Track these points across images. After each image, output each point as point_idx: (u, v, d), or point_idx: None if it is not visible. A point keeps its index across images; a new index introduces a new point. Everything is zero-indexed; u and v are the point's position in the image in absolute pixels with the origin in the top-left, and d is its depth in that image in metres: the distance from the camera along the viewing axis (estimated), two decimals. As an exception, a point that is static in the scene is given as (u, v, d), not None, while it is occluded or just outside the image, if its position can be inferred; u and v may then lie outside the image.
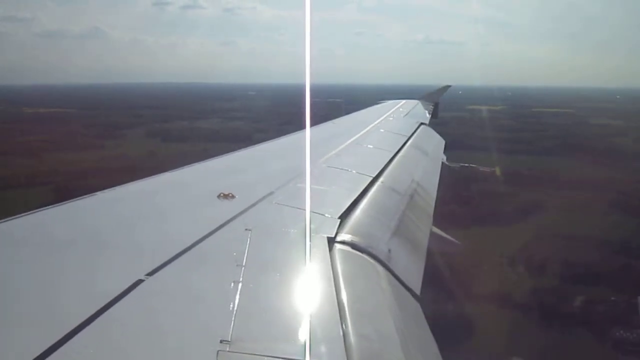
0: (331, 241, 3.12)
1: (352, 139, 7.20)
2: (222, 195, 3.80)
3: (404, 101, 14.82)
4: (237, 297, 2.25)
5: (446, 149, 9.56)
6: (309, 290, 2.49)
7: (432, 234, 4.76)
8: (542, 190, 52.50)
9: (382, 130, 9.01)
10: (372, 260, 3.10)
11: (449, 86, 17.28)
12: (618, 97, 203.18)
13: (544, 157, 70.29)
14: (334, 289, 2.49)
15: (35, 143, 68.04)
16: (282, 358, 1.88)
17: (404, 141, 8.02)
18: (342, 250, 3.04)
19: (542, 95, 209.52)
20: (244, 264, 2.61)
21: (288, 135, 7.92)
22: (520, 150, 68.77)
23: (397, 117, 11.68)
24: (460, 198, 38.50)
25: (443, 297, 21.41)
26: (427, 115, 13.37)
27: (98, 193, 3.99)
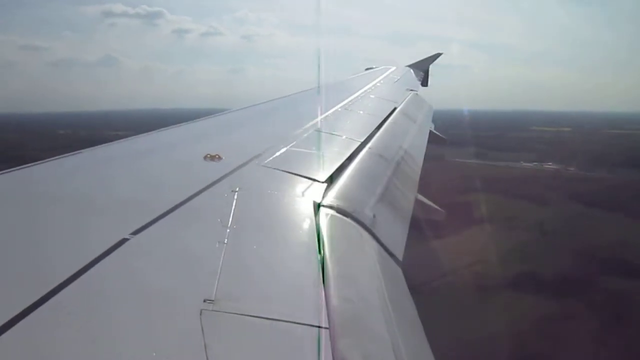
0: (316, 205, 3.14)
1: (340, 104, 7.13)
2: (208, 156, 3.77)
3: (393, 67, 14.67)
4: (222, 257, 2.26)
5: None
6: (293, 252, 2.52)
7: (417, 201, 4.80)
8: None
9: (371, 96, 8.93)
10: (356, 225, 3.12)
11: (440, 54, 17.19)
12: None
13: None
14: (317, 251, 2.51)
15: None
16: (265, 318, 1.91)
17: (393, 107, 7.98)
18: (327, 214, 3.06)
19: (564, 119, 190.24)
20: (229, 224, 2.61)
21: (277, 98, 7.82)
22: None
23: (387, 83, 11.57)
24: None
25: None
26: (417, 82, 13.32)
27: (83, 151, 3.93)
